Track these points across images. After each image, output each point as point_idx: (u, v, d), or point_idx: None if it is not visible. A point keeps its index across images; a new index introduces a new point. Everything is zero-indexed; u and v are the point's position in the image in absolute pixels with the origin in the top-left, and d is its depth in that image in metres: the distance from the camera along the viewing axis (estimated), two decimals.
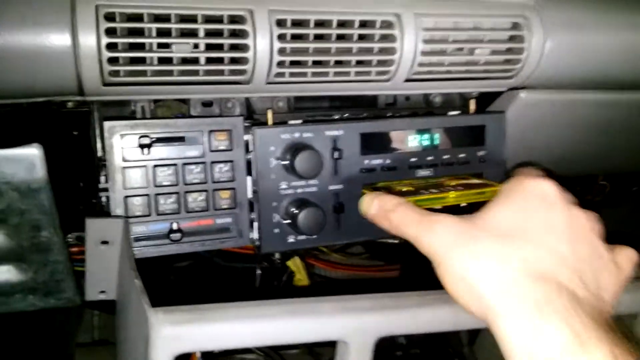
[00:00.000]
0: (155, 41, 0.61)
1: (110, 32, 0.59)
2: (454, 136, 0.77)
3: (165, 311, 0.46)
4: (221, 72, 0.66)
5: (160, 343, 0.45)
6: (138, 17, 0.60)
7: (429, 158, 0.76)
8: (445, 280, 0.50)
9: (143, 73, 0.63)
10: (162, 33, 0.61)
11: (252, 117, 0.76)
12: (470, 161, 0.78)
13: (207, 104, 0.75)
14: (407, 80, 0.74)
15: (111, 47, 0.59)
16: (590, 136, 0.93)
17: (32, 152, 0.61)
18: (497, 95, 0.85)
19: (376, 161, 0.74)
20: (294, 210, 0.70)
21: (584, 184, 1.47)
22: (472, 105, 0.81)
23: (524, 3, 0.75)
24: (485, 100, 0.86)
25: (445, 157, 0.77)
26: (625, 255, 0.56)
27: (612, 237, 0.77)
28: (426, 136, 0.76)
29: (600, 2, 0.78)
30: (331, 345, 0.56)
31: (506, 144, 0.81)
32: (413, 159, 0.76)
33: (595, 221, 0.57)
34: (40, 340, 1.08)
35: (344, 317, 0.51)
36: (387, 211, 0.60)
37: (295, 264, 1.04)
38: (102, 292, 0.69)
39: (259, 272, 1.00)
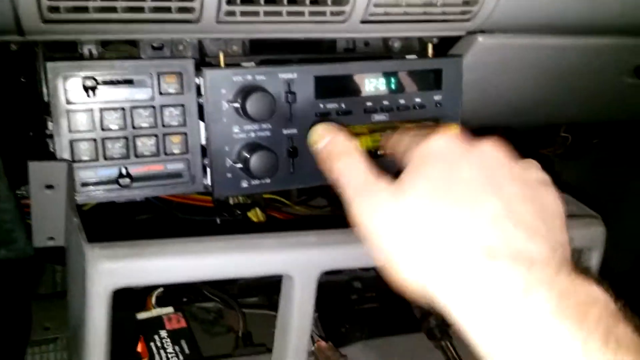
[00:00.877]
0: None
1: None
2: (410, 80, 0.77)
3: (102, 246, 0.46)
4: (168, 9, 0.63)
5: (96, 278, 0.44)
6: None
7: (385, 102, 0.76)
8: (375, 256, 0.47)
9: (85, 9, 0.60)
10: None
11: (205, 61, 0.74)
12: (426, 105, 0.78)
13: (157, 47, 0.73)
14: (364, 22, 0.72)
15: None
16: (548, 83, 0.93)
17: None
18: (455, 42, 0.84)
19: (331, 105, 0.73)
20: (246, 154, 0.69)
21: (545, 137, 1.49)
22: (430, 49, 0.80)
23: None
24: (445, 46, 0.86)
25: (401, 101, 0.77)
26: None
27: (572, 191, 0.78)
28: (382, 80, 0.75)
29: None
30: None
31: (462, 89, 0.80)
32: (369, 103, 0.75)
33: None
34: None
35: (288, 251, 0.51)
36: (332, 155, 0.54)
37: (256, 214, 1.04)
38: (51, 238, 0.67)
39: (218, 222, 0.99)
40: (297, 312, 0.52)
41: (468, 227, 0.43)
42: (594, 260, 0.65)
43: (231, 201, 1.00)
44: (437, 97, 0.78)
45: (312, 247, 0.51)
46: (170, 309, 0.75)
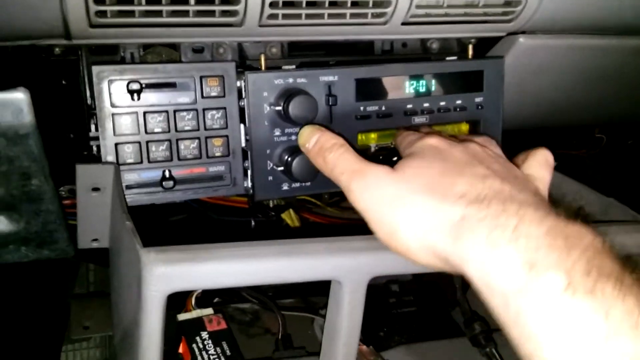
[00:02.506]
0: None
1: None
2: (451, 82, 0.76)
3: (157, 251, 0.46)
4: (212, 13, 0.64)
5: (152, 282, 0.44)
6: None
7: (425, 104, 0.75)
8: (380, 235, 0.50)
9: (131, 14, 0.61)
10: None
11: (245, 63, 0.74)
12: (467, 107, 0.77)
13: (198, 50, 0.73)
14: (405, 24, 0.72)
15: None
16: (589, 84, 0.91)
17: (19, 97, 0.59)
18: (495, 42, 0.83)
19: (371, 107, 0.73)
20: (287, 157, 0.69)
21: (580, 137, 1.47)
22: (470, 50, 0.79)
23: None
24: (483, 47, 0.85)
25: (442, 103, 0.76)
26: (538, 161, 0.57)
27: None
28: (422, 82, 0.75)
29: None
30: (326, 294, 0.56)
31: (503, 90, 0.79)
32: (409, 105, 0.74)
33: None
34: (36, 292, 1.09)
35: (337, 256, 0.51)
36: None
37: (290, 216, 1.04)
38: (95, 240, 0.68)
39: (253, 223, 0.99)
40: (347, 318, 0.52)
41: (462, 184, 0.48)
42: None
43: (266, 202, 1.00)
44: (478, 99, 0.77)
45: (362, 253, 0.51)
46: (210, 311, 0.75)
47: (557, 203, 0.82)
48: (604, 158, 1.49)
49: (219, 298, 0.86)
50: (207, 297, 0.81)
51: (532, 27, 0.78)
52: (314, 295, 0.91)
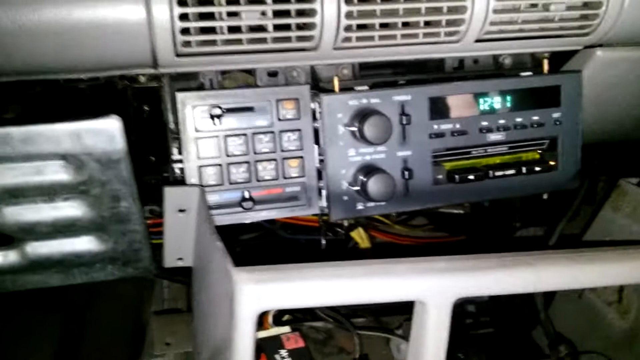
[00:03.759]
0: (224, 9, 0.61)
1: (181, 2, 0.60)
2: (526, 98, 0.75)
3: (248, 270, 0.47)
4: (289, 39, 0.66)
5: (245, 301, 0.46)
6: None
7: (501, 121, 0.74)
8: None
9: (213, 43, 0.64)
10: (230, 1, 0.62)
11: (318, 85, 0.76)
12: (544, 123, 0.76)
13: (272, 73, 0.76)
14: (478, 41, 0.71)
15: (183, 17, 0.60)
16: None
17: (112, 124, 0.63)
18: (570, 55, 0.81)
19: (446, 126, 0.73)
20: (362, 177, 0.70)
21: None
22: (546, 65, 0.77)
23: None
24: (558, 60, 0.83)
25: (518, 119, 0.75)
26: None
27: None
28: (498, 98, 0.74)
29: None
30: (399, 313, 0.56)
31: (582, 105, 0.77)
32: (484, 123, 0.74)
33: None
34: (118, 308, 1.14)
35: (422, 277, 0.51)
36: None
37: (359, 234, 1.04)
38: (180, 259, 0.71)
39: (323, 242, 1.00)
40: (432, 339, 0.52)
41: None
42: None
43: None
44: (555, 115, 0.76)
45: (446, 274, 0.51)
46: (287, 329, 0.76)
47: (636, 218, 0.79)
48: None
49: (294, 316, 0.87)
50: (282, 314, 0.83)
51: (611, 39, 0.76)
52: (387, 315, 0.91)
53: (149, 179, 0.84)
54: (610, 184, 0.86)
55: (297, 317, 0.92)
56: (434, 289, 0.50)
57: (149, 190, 0.77)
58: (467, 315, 0.89)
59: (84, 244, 0.77)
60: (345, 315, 0.90)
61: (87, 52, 0.60)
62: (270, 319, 0.78)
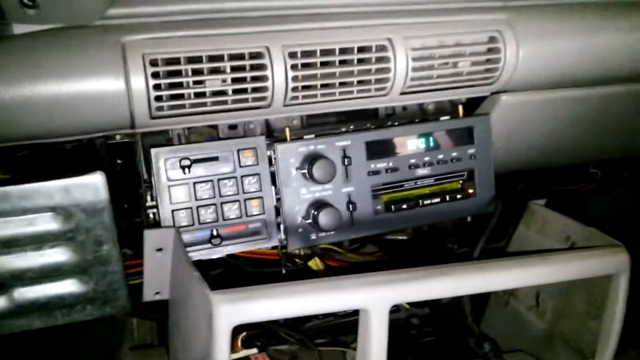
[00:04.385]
0: (190, 79, 0.74)
1: (154, 75, 0.72)
2: (446, 138, 0.90)
3: (222, 292, 0.59)
4: (246, 100, 0.78)
5: (221, 317, 0.57)
6: (176, 61, 0.73)
7: (427, 158, 0.89)
8: None
9: (182, 106, 0.75)
10: (195, 72, 0.74)
11: (272, 135, 0.89)
12: (462, 158, 0.91)
13: (232, 127, 0.88)
14: (402, 94, 0.86)
15: (156, 87, 0.72)
16: (570, 129, 1.04)
17: (97, 178, 0.74)
18: (482, 100, 0.97)
19: (381, 164, 0.86)
20: (314, 211, 0.82)
21: (576, 173, 1.58)
22: (461, 110, 0.93)
23: (497, 19, 0.88)
24: (473, 105, 0.99)
25: (440, 156, 0.89)
26: None
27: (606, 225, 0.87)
28: (422, 139, 0.89)
29: (564, 12, 0.91)
30: (353, 332, 0.67)
31: (492, 141, 0.92)
32: (412, 160, 0.88)
33: None
34: (94, 348, 1.20)
35: (363, 289, 0.63)
36: None
37: (315, 263, 1.15)
38: (157, 293, 0.81)
39: (284, 272, 1.11)
40: (375, 342, 0.63)
41: None
42: (622, 285, 0.75)
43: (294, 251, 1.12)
44: (470, 151, 0.91)
45: (383, 285, 0.63)
46: (254, 350, 0.86)
47: (545, 233, 0.94)
48: (600, 191, 1.60)
49: (261, 340, 0.97)
50: (250, 339, 0.92)
51: (512, 86, 0.92)
52: (344, 334, 1.02)
53: (121, 225, 0.93)
54: (522, 206, 1.02)
55: (263, 343, 1.02)
56: (372, 298, 0.62)
57: (121, 235, 0.86)
58: (411, 327, 1.02)
59: (67, 286, 0.85)
60: (307, 337, 1.00)
61: (75, 120, 0.71)
62: (239, 342, 0.88)
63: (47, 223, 0.76)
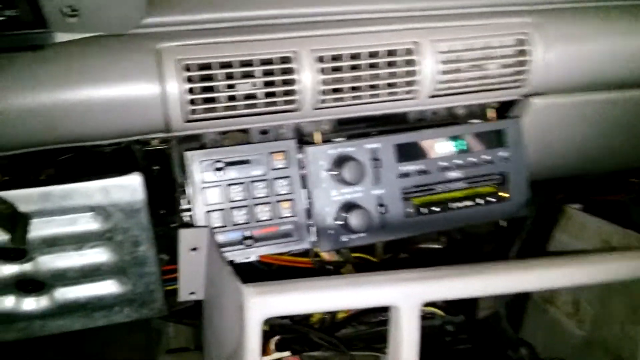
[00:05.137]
0: (223, 83, 0.76)
1: (188, 80, 0.74)
2: (477, 141, 0.89)
3: (253, 286, 0.60)
4: (276, 104, 0.80)
5: (252, 309, 0.58)
6: (208, 66, 0.76)
7: (457, 161, 0.89)
8: None
9: (215, 110, 0.78)
10: (227, 77, 0.77)
11: (302, 139, 0.90)
12: (494, 161, 0.90)
13: (263, 132, 0.90)
14: (431, 97, 0.87)
15: (190, 91, 0.75)
16: (604, 133, 1.02)
17: (135, 179, 0.76)
18: (514, 104, 0.96)
19: (410, 167, 0.87)
20: (344, 213, 0.83)
21: (615, 183, 1.54)
22: (490, 113, 0.93)
23: (525, 22, 0.88)
24: (505, 109, 0.98)
25: (471, 159, 0.89)
26: None
27: None
28: (453, 142, 0.89)
29: (591, 15, 0.90)
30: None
31: (524, 144, 0.92)
32: (443, 163, 0.88)
33: None
34: (130, 354, 1.23)
35: (395, 286, 0.63)
36: None
37: (347, 271, 1.15)
38: (192, 293, 0.83)
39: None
40: (406, 340, 0.63)
41: None
42: None
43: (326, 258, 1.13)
44: (502, 154, 0.90)
45: (414, 282, 0.63)
46: (288, 353, 0.87)
47: (582, 238, 0.92)
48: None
49: (294, 345, 0.97)
50: (284, 343, 0.93)
51: (543, 89, 0.91)
52: (377, 343, 1.01)
53: (158, 230, 0.96)
54: (559, 210, 1.00)
55: (296, 348, 1.02)
56: (403, 294, 0.62)
57: (158, 240, 0.89)
58: (446, 333, 1.00)
59: (106, 287, 0.88)
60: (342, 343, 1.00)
61: (113, 123, 0.74)
62: (273, 345, 0.88)
63: (87, 223, 0.79)
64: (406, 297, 0.62)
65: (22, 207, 0.74)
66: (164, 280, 0.90)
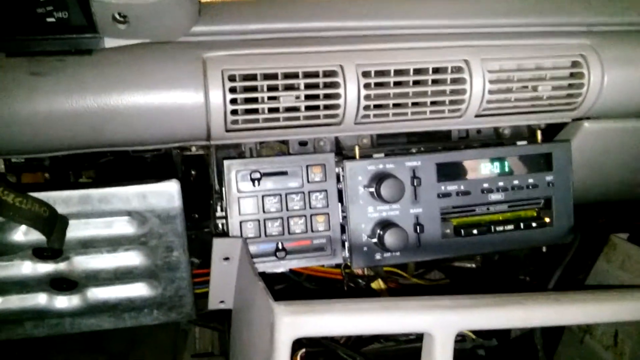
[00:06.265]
0: (266, 95, 0.76)
1: (232, 90, 0.74)
2: (522, 163, 0.86)
3: (286, 304, 0.59)
4: (317, 117, 0.79)
5: (283, 328, 0.57)
6: (252, 77, 0.75)
7: (500, 183, 0.86)
8: None
9: (256, 121, 0.77)
10: (270, 88, 0.76)
11: (342, 152, 0.89)
12: (539, 185, 0.87)
13: (303, 143, 0.89)
14: (477, 116, 0.84)
15: (233, 101, 0.74)
16: None
17: (172, 186, 0.76)
18: (563, 126, 0.93)
19: (451, 187, 0.84)
20: (379, 230, 0.81)
21: None
22: (539, 135, 0.89)
23: (582, 43, 0.85)
24: (552, 130, 0.95)
25: (515, 182, 0.86)
26: None
27: None
28: (497, 164, 0.86)
29: None
30: (415, 358, 0.65)
31: (572, 169, 0.88)
32: (485, 185, 0.85)
33: None
34: (157, 354, 1.24)
35: (430, 312, 0.61)
36: None
37: (379, 285, 1.14)
38: (222, 302, 0.82)
39: (346, 290, 1.10)
40: None
41: None
42: None
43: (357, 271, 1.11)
44: (548, 178, 0.87)
45: (449, 310, 0.61)
46: None
47: (626, 269, 0.88)
48: None
49: (320, 358, 0.96)
50: (310, 356, 0.92)
51: (595, 113, 0.88)
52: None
53: (190, 234, 0.96)
54: (603, 238, 0.96)
55: None
56: (438, 322, 0.60)
57: (190, 244, 0.89)
58: (477, 358, 0.97)
59: (137, 290, 0.89)
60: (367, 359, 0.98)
61: (156, 130, 0.74)
62: (298, 358, 0.87)
63: (123, 227, 0.80)
64: (441, 325, 0.60)
65: (62, 209, 0.75)
66: (193, 283, 0.90)
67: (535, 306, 0.63)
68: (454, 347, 0.66)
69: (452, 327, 0.60)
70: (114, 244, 0.82)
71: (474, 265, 1.23)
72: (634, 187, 1.04)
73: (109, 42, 0.72)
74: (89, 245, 0.82)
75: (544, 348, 0.85)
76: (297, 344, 0.93)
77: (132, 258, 0.85)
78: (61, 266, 0.83)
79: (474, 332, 1.01)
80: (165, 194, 0.77)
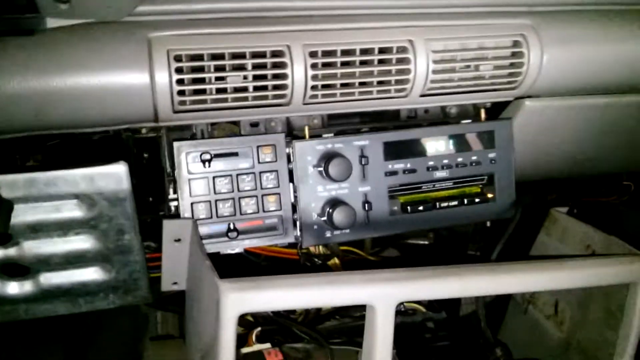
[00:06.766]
0: (213, 75, 0.76)
1: (178, 70, 0.74)
2: (466, 141, 0.89)
3: (230, 281, 0.60)
4: (266, 97, 0.80)
5: (228, 304, 0.58)
6: (199, 57, 0.76)
7: (445, 161, 0.89)
8: None
9: (204, 101, 0.78)
10: (218, 68, 0.76)
11: (292, 133, 0.90)
12: (482, 162, 0.90)
13: (254, 124, 0.89)
14: (422, 96, 0.86)
15: (179, 82, 0.74)
16: (597, 138, 1.02)
17: (120, 168, 0.76)
18: (506, 105, 0.96)
19: (398, 165, 0.87)
20: (329, 209, 0.83)
21: (608, 185, 1.54)
22: (483, 114, 0.93)
23: (523, 23, 0.87)
24: (497, 109, 0.98)
25: (459, 159, 0.89)
26: None
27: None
28: (442, 142, 0.88)
29: (591, 19, 0.89)
30: None
31: (514, 147, 0.91)
32: (431, 162, 0.88)
33: None
34: (117, 339, 1.24)
35: (371, 285, 0.63)
36: None
37: (335, 263, 1.16)
38: (175, 283, 0.83)
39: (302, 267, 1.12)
40: (380, 339, 0.63)
41: None
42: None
43: (314, 251, 1.13)
44: (491, 155, 0.90)
45: (390, 282, 0.63)
46: (268, 345, 0.87)
47: (565, 241, 0.92)
48: (634, 204, 1.55)
49: (276, 336, 0.98)
50: (266, 335, 0.94)
51: (536, 91, 0.91)
52: (360, 336, 1.02)
53: (145, 218, 0.96)
54: (543, 213, 1.00)
55: (278, 339, 1.03)
56: (379, 294, 0.63)
57: (146, 227, 0.89)
58: (427, 330, 1.01)
59: (90, 274, 0.88)
60: (322, 336, 1.01)
61: (102, 111, 0.74)
62: (253, 337, 0.89)
63: (71, 210, 0.79)
64: (381, 297, 0.63)
65: (7, 193, 0.74)
66: (151, 267, 0.91)
67: (471, 276, 0.66)
68: (404, 319, 0.69)
69: (392, 298, 0.62)
70: (63, 227, 0.82)
71: (426, 242, 1.27)
72: (575, 163, 1.09)
73: (52, 23, 0.71)
74: (38, 230, 0.81)
75: (491, 320, 0.89)
76: (254, 322, 0.95)
77: (83, 242, 0.84)
78: (11, 251, 0.82)
79: (425, 305, 1.04)
80: (114, 176, 0.77)
